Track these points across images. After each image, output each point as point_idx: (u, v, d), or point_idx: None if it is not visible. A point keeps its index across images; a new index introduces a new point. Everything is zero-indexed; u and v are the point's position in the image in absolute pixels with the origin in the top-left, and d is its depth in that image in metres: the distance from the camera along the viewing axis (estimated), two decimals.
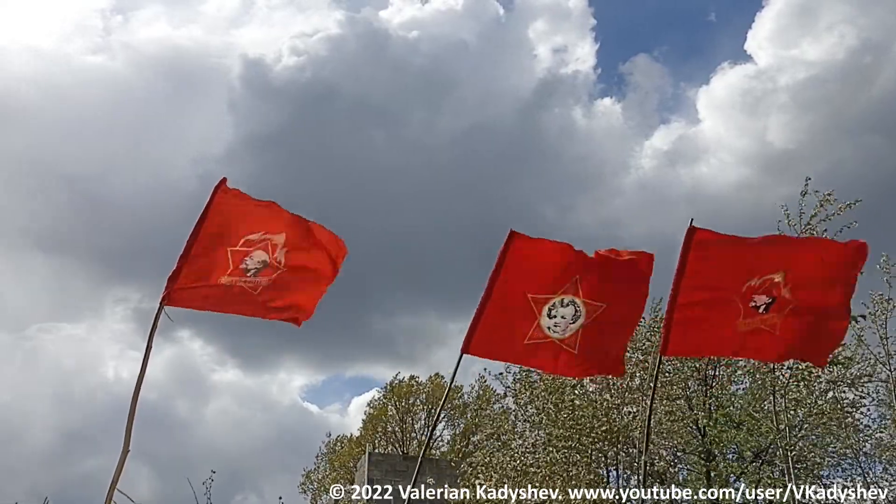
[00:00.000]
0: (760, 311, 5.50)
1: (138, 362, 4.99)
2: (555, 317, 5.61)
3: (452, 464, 13.50)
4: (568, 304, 5.61)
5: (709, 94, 55.06)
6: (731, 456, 10.91)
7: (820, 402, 9.91)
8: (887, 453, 10.45)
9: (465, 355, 5.59)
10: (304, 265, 5.49)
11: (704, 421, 10.56)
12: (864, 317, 9.34)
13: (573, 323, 5.61)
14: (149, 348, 4.95)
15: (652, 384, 6.45)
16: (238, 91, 53.15)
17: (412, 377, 31.79)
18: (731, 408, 10.48)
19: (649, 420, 6.01)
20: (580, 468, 10.90)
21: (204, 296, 5.16)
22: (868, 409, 10.93)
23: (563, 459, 11.07)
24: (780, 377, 9.63)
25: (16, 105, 48.63)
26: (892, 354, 9.33)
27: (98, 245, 47.23)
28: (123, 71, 53.38)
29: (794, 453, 9.20)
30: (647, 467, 11.11)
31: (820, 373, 10.56)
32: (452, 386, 6.57)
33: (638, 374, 11.39)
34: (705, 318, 5.57)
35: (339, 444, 32.10)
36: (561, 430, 11.43)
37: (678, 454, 12.03)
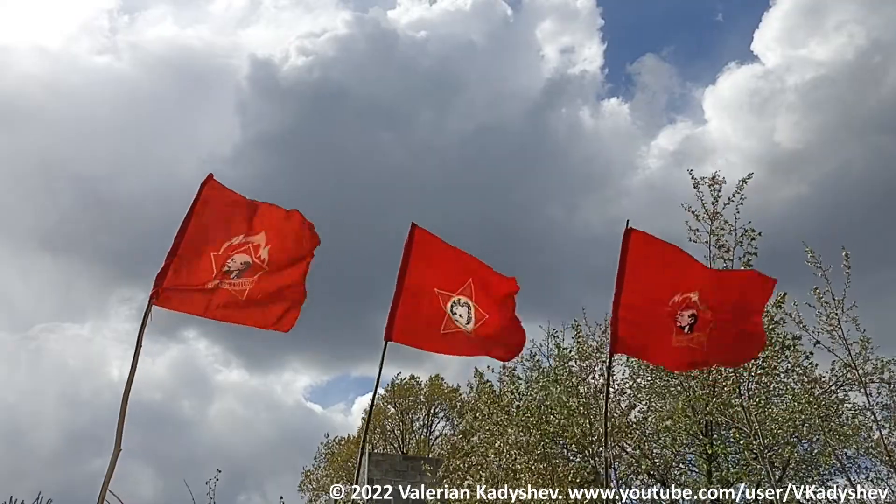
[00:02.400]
0: (686, 331, 5.85)
1: (141, 363, 4.99)
2: (455, 313, 6.01)
3: (454, 464, 13.46)
4: (463, 305, 6.03)
5: (715, 94, 55.04)
6: (732, 456, 10.83)
7: (806, 404, 9.85)
8: (878, 451, 10.36)
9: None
10: (286, 269, 5.51)
11: (706, 420, 10.51)
12: (786, 294, 9.58)
13: (468, 322, 6.01)
14: (138, 346, 4.92)
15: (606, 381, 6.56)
16: (246, 91, 53.15)
17: (412, 377, 31.80)
18: (731, 410, 10.39)
19: (605, 416, 6.13)
20: (561, 471, 10.84)
21: (192, 300, 5.18)
22: (863, 412, 10.85)
23: (541, 465, 11.02)
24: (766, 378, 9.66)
25: (23, 105, 48.74)
26: (851, 345, 9.28)
27: (104, 245, 47.29)
28: (130, 71, 53.49)
29: (769, 455, 9.15)
30: (616, 465, 11.13)
31: (820, 374, 10.54)
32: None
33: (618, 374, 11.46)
34: (645, 325, 5.87)
35: (337, 444, 32.05)
36: (528, 436, 11.41)
37: (679, 454, 11.97)
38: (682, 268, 6.04)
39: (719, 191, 9.71)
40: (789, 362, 10.22)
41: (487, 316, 6.00)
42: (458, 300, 5.99)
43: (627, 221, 5.97)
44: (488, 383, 13.31)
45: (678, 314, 5.85)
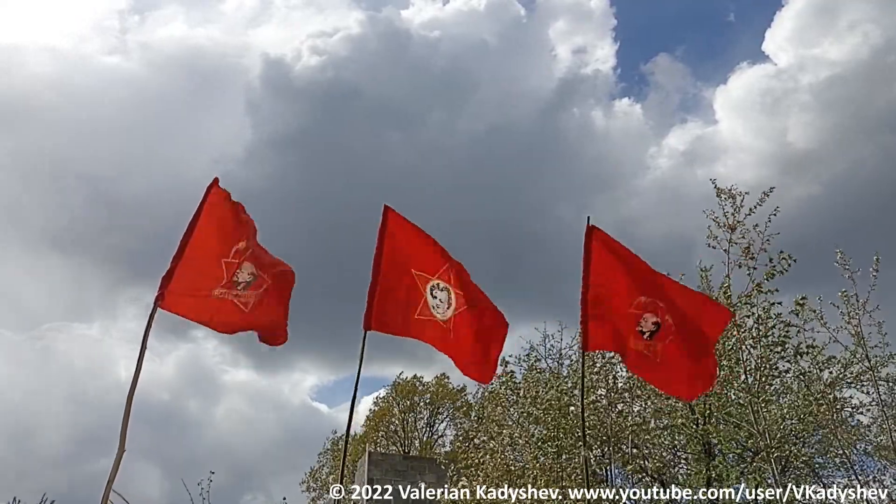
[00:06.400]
0: (645, 336, 5.73)
1: (150, 362, 5.06)
2: (436, 297, 5.78)
3: (454, 463, 13.54)
4: (443, 289, 5.78)
5: (726, 94, 55.01)
6: (731, 456, 10.87)
7: (811, 403, 9.88)
8: (880, 452, 10.40)
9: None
10: (277, 284, 5.55)
11: (703, 419, 10.56)
12: (805, 298, 9.52)
13: (448, 308, 5.75)
14: (143, 348, 4.97)
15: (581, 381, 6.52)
16: (257, 91, 53.23)
17: (415, 376, 31.81)
18: (731, 408, 10.44)
19: (583, 414, 6.09)
20: (571, 468, 10.89)
21: (198, 307, 5.19)
22: (868, 410, 10.90)
23: (552, 460, 11.07)
24: (770, 379, 9.69)
25: (33, 105, 48.96)
26: (870, 349, 9.31)
27: (114, 245, 47.50)
28: (140, 71, 53.63)
29: (776, 455, 9.16)
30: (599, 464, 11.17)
31: (819, 373, 10.58)
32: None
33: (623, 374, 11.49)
34: (611, 322, 5.76)
35: (343, 441, 32.06)
36: (546, 432, 11.45)
37: (678, 454, 12.01)
38: (647, 275, 5.91)
39: (742, 201, 9.53)
40: (799, 367, 10.21)
41: (466, 307, 5.73)
42: (438, 284, 5.76)
43: (588, 218, 5.86)
44: (511, 374, 13.14)
45: (642, 317, 5.75)
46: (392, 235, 5.78)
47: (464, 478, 12.50)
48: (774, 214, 9.33)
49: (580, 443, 11.29)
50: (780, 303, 9.59)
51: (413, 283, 5.75)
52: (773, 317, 9.57)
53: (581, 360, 6.22)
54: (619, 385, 11.51)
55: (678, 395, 6.64)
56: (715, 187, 9.70)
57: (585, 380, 11.75)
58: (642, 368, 5.94)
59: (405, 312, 5.72)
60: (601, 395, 11.41)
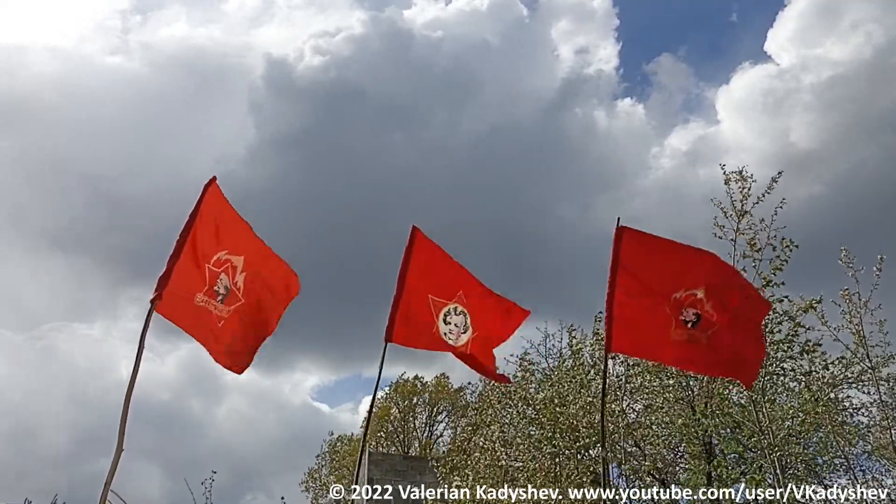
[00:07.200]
0: (689, 326, 5.69)
1: (150, 362, 5.05)
2: (449, 323, 6.02)
3: (460, 461, 13.51)
4: (460, 314, 6.05)
5: (728, 94, 55.06)
6: (731, 456, 10.85)
7: (811, 402, 9.86)
8: (880, 452, 10.37)
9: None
10: (259, 299, 5.56)
11: (705, 420, 10.53)
12: (819, 301, 9.44)
13: (464, 333, 6.03)
14: (140, 348, 4.93)
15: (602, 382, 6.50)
16: (261, 91, 53.20)
17: (416, 377, 31.79)
18: (732, 408, 10.43)
19: (603, 417, 6.07)
20: (569, 468, 10.87)
21: (183, 311, 5.16)
22: (869, 410, 10.88)
23: (549, 461, 11.06)
24: (772, 379, 9.65)
25: (35, 105, 48.92)
26: (871, 348, 9.30)
27: (116, 245, 47.43)
28: (142, 71, 53.60)
29: (777, 454, 9.12)
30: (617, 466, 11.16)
31: (822, 373, 10.56)
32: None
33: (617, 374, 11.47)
34: (642, 321, 5.74)
35: (339, 442, 32.06)
36: (542, 432, 11.43)
37: (678, 454, 12.00)
38: (686, 263, 5.86)
39: (749, 189, 9.41)
40: (805, 367, 10.19)
41: (478, 333, 6.06)
42: (455, 308, 6.02)
43: (619, 219, 5.84)
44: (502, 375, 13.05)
45: (683, 310, 5.72)
46: (417, 256, 5.96)
47: (457, 478, 12.50)
48: (781, 207, 9.27)
49: (578, 443, 11.29)
50: (787, 297, 9.53)
51: (428, 308, 5.95)
52: (782, 313, 9.50)
53: (604, 361, 6.16)
54: (611, 380, 11.49)
55: (735, 377, 6.70)
56: (724, 172, 9.61)
57: (582, 378, 11.83)
58: (689, 359, 5.87)
59: (427, 329, 5.92)
60: (598, 390, 11.38)
